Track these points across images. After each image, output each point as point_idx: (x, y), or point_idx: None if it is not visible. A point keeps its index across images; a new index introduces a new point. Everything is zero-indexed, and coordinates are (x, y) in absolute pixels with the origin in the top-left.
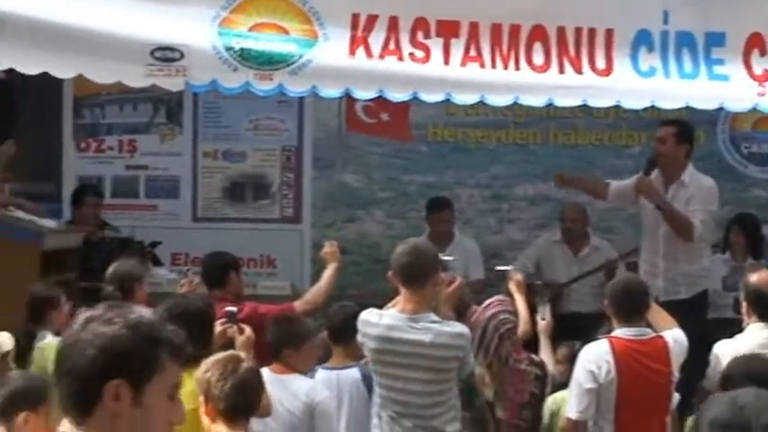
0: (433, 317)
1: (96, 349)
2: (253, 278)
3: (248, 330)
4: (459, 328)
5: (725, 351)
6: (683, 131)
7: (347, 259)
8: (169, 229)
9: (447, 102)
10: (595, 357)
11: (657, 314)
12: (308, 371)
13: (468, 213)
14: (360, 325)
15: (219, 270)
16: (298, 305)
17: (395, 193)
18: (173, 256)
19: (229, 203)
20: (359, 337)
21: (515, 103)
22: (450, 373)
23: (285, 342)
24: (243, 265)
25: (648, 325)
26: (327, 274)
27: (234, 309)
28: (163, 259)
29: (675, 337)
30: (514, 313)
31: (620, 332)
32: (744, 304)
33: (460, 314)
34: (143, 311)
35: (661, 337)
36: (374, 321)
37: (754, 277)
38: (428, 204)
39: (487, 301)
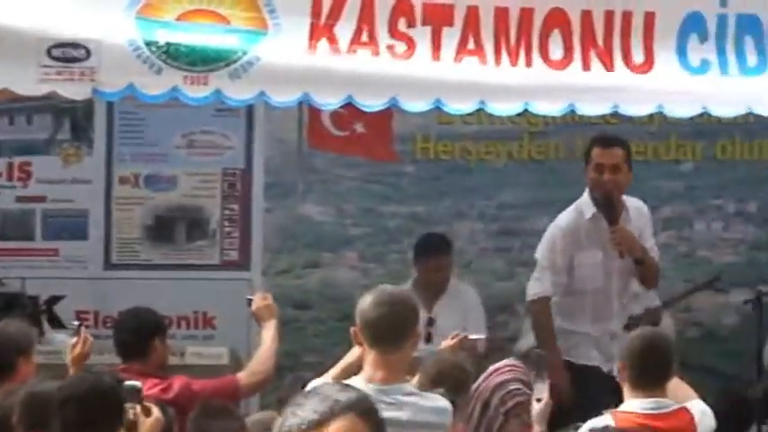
0: (409, 387)
1: None
2: (181, 342)
3: (156, 412)
4: (442, 402)
5: None
6: (629, 152)
7: (307, 316)
8: (74, 280)
9: (437, 109)
10: None
11: (675, 384)
12: None
13: (468, 254)
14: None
15: (140, 336)
16: (243, 378)
17: (372, 228)
18: (77, 315)
19: (153, 245)
20: None
21: (525, 112)
22: None
23: None
24: (170, 326)
25: None
26: (268, 335)
27: (137, 384)
28: (65, 319)
29: (703, 409)
30: (529, 384)
31: (632, 405)
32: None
33: (458, 386)
34: None
35: (686, 409)
36: None
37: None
38: (418, 244)
39: (495, 366)
